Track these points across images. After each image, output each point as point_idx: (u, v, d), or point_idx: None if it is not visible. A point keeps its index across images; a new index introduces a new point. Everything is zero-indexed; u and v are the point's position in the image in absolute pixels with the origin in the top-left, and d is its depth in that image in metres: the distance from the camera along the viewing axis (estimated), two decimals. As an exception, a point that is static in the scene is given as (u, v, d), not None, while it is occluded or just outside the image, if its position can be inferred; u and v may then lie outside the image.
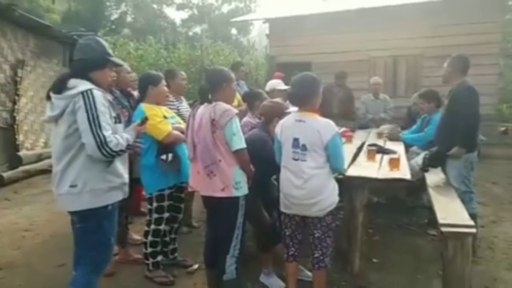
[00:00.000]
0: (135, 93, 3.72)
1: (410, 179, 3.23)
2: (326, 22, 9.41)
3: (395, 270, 3.45)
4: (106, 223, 2.35)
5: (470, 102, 3.52)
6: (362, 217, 3.27)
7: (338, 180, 2.92)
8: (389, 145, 4.60)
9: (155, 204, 3.19)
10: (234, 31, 26.78)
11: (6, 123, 7.05)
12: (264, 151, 2.98)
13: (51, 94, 2.28)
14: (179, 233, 3.68)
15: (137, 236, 3.96)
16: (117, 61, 2.53)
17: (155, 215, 3.21)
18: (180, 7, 27.38)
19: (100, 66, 2.37)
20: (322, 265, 2.74)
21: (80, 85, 2.23)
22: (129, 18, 25.79)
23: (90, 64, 2.33)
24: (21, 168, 7.02)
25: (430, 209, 3.72)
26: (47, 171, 7.38)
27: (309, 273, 3.09)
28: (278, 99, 3.47)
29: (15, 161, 7.02)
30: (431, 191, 3.54)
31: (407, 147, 4.87)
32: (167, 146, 3.09)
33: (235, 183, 2.64)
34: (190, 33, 26.27)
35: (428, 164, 3.87)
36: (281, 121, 2.87)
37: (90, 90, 2.21)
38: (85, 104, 2.17)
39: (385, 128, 5.65)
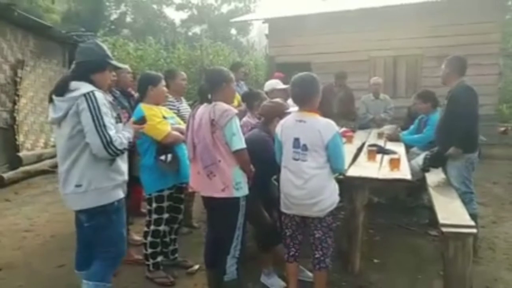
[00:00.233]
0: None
1: (410, 179, 3.23)
2: (325, 22, 9.42)
3: (396, 270, 3.45)
4: (115, 217, 2.45)
5: (468, 102, 3.51)
6: (362, 217, 3.27)
7: (339, 180, 2.92)
8: (390, 145, 4.60)
9: (154, 205, 3.19)
10: (233, 31, 26.77)
11: (6, 124, 7.05)
12: (265, 151, 2.97)
13: (54, 97, 2.34)
14: (180, 234, 3.67)
15: (137, 237, 3.96)
16: (117, 64, 2.62)
17: (154, 216, 3.20)
18: (180, 7, 27.37)
19: (101, 69, 2.45)
20: (323, 265, 2.74)
21: (82, 87, 2.29)
22: (128, 19, 25.78)
23: (91, 67, 2.41)
24: (21, 169, 7.01)
25: (430, 209, 3.72)
26: (47, 172, 7.40)
27: (310, 274, 3.09)
28: (278, 99, 3.47)
29: (15, 162, 7.01)
30: (431, 191, 3.54)
31: (408, 147, 4.87)
32: (166, 146, 3.08)
33: (235, 183, 2.64)
34: (190, 34, 26.27)
35: (429, 164, 3.87)
36: (282, 121, 2.87)
37: (92, 91, 2.28)
38: (88, 105, 2.24)
39: (386, 128, 5.65)
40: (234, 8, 27.07)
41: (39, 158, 7.66)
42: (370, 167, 3.59)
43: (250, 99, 3.96)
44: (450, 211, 3.01)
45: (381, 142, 4.80)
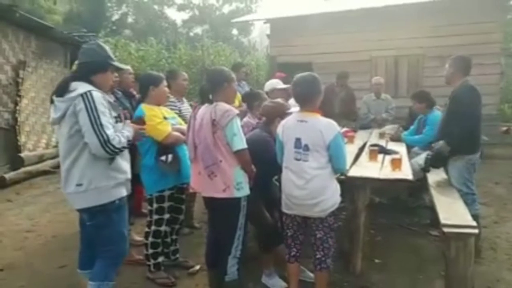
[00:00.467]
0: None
1: (412, 180, 3.22)
2: (327, 22, 9.41)
3: (397, 271, 3.44)
4: (115, 217, 2.46)
5: (471, 102, 3.48)
6: (364, 217, 3.27)
7: (340, 181, 2.91)
8: (391, 145, 4.60)
9: (155, 205, 3.19)
10: (235, 31, 26.77)
11: (7, 124, 7.06)
12: (266, 152, 2.97)
13: (54, 97, 2.37)
14: (181, 234, 3.67)
15: (138, 237, 3.96)
16: (119, 65, 2.64)
17: (155, 216, 3.20)
18: (181, 7, 27.39)
19: (102, 70, 2.47)
20: (324, 266, 2.74)
21: (80, 87, 2.31)
22: (130, 19, 25.81)
23: (92, 68, 2.44)
24: (23, 169, 7.02)
25: (432, 210, 3.71)
26: (49, 172, 7.41)
27: (311, 274, 3.08)
28: (279, 99, 3.47)
29: (17, 162, 7.03)
30: (433, 192, 3.53)
31: (409, 147, 4.87)
32: (167, 147, 3.08)
33: (236, 183, 2.64)
34: (191, 34, 26.28)
35: (430, 164, 3.86)
36: (283, 121, 2.86)
37: (90, 91, 2.29)
38: (85, 105, 2.26)
39: (387, 128, 5.65)
40: (236, 9, 27.07)
41: (41, 159, 7.67)
42: (372, 167, 3.58)
43: (250, 100, 3.95)
44: (452, 211, 3.00)
45: (382, 142, 4.80)
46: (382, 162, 3.75)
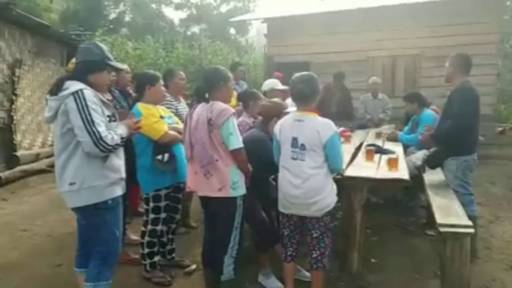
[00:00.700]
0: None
1: (408, 180, 3.23)
2: (324, 22, 9.43)
3: (393, 270, 3.45)
4: (109, 217, 2.45)
5: (466, 102, 3.39)
6: (360, 217, 3.26)
7: (337, 180, 2.91)
8: (388, 145, 4.60)
9: (151, 205, 3.18)
10: (232, 31, 26.75)
11: (3, 123, 7.03)
12: (263, 151, 2.97)
13: (47, 96, 2.38)
14: (177, 234, 3.66)
15: (134, 236, 3.95)
16: (116, 65, 2.62)
17: (151, 216, 3.19)
18: (179, 6, 27.33)
19: (98, 69, 2.46)
20: (320, 265, 2.74)
21: (72, 86, 2.31)
22: (127, 18, 25.74)
23: (89, 67, 2.43)
24: (19, 168, 6.99)
25: (428, 209, 3.72)
26: (44, 171, 7.38)
27: (307, 274, 3.08)
28: (276, 99, 3.46)
29: (12, 161, 6.99)
30: (429, 191, 3.53)
31: (405, 147, 4.88)
32: (163, 146, 3.07)
33: (233, 183, 2.63)
34: (189, 33, 26.25)
35: (426, 165, 3.86)
36: (280, 121, 2.86)
37: (81, 90, 2.29)
38: (76, 104, 2.25)
39: (384, 128, 5.66)
40: (233, 8, 27.06)
41: (37, 158, 7.63)
42: (368, 167, 3.58)
43: (245, 99, 3.95)
44: (448, 211, 3.00)
45: (379, 142, 4.80)
46: (379, 162, 3.75)
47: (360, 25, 9.20)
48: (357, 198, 3.25)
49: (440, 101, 4.83)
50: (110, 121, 2.42)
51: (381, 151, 4.13)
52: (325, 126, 2.63)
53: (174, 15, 27.55)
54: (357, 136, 5.40)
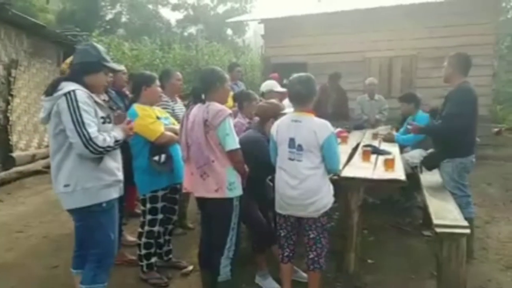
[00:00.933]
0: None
1: (404, 180, 3.23)
2: (321, 23, 9.44)
3: (390, 271, 3.45)
4: (103, 219, 2.43)
5: (462, 103, 3.35)
6: (357, 217, 3.27)
7: (333, 181, 2.92)
8: (384, 146, 4.62)
9: (148, 206, 3.17)
10: (229, 31, 26.73)
11: (-1, 124, 7.00)
12: (260, 152, 2.97)
13: (42, 97, 2.36)
14: (174, 235, 3.66)
15: (131, 238, 3.94)
16: (113, 66, 2.60)
17: (148, 217, 3.19)
18: (175, 7, 27.29)
19: (95, 71, 2.44)
20: (317, 266, 2.74)
21: (66, 87, 2.29)
22: (124, 19, 25.67)
23: (85, 68, 2.41)
24: (15, 169, 6.95)
25: (424, 210, 3.73)
26: (40, 172, 7.35)
27: (304, 274, 3.08)
28: (274, 100, 3.47)
29: (8, 162, 6.96)
30: (426, 192, 3.54)
31: (401, 147, 4.89)
32: (160, 147, 3.07)
33: (229, 184, 2.63)
34: (185, 34, 26.21)
35: (423, 166, 3.87)
36: (277, 121, 2.86)
37: (74, 90, 2.26)
38: (68, 105, 2.23)
39: (380, 129, 5.67)
40: (230, 9, 27.04)
41: (33, 159, 7.60)
42: (365, 167, 3.59)
43: (240, 100, 3.95)
44: (444, 212, 3.02)
45: (375, 143, 4.81)
46: (375, 163, 3.75)
47: (357, 26, 9.22)
48: (353, 199, 3.26)
49: (437, 102, 4.86)
50: (104, 122, 2.40)
51: (377, 151, 4.14)
52: (322, 127, 2.64)
53: (171, 16, 27.52)
54: (354, 137, 5.41)
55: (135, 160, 3.13)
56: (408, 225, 4.53)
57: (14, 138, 7.28)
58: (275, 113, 3.11)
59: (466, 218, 2.92)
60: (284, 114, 2.97)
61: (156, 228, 3.23)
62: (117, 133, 2.45)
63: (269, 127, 2.99)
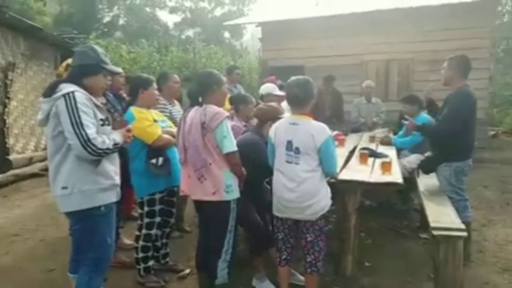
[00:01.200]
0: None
1: (402, 183, 3.24)
2: (318, 26, 9.47)
3: (387, 274, 3.45)
4: (101, 223, 2.42)
5: (460, 107, 3.33)
6: (354, 220, 3.27)
7: (331, 184, 2.92)
8: (381, 148, 4.62)
9: (146, 209, 3.16)
10: (227, 34, 26.74)
11: (-4, 127, 6.98)
12: (257, 155, 2.97)
13: (40, 99, 2.35)
14: (171, 238, 3.65)
15: (128, 241, 3.93)
16: (112, 68, 2.58)
17: (146, 220, 3.18)
18: (173, 10, 27.29)
19: (94, 73, 2.43)
20: (315, 269, 2.74)
21: (65, 88, 2.28)
22: (121, 21, 25.64)
23: (84, 71, 2.40)
24: (11, 172, 6.94)
25: (421, 213, 3.73)
26: (37, 175, 7.32)
27: (302, 277, 3.08)
28: (273, 103, 3.47)
29: (5, 165, 6.94)
30: (423, 195, 3.55)
31: (398, 150, 4.90)
32: (157, 149, 3.07)
33: (226, 186, 2.63)
34: (183, 36, 26.19)
35: (421, 169, 3.88)
36: (275, 124, 2.87)
37: (72, 92, 2.25)
38: (66, 106, 2.22)
39: (377, 132, 5.68)
40: (228, 12, 27.06)
41: (30, 161, 7.59)
42: (362, 170, 3.59)
43: (237, 103, 3.95)
44: (441, 214, 3.02)
45: (373, 146, 4.83)
46: (372, 166, 3.76)
47: (354, 29, 9.26)
48: (351, 202, 3.26)
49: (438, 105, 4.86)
50: (103, 125, 2.38)
51: (374, 154, 4.15)
52: (320, 130, 2.64)
53: (169, 19, 27.54)
54: (351, 140, 5.42)
55: (132, 163, 3.12)
56: (405, 228, 4.53)
57: (11, 141, 7.26)
58: (274, 116, 3.12)
59: (463, 222, 2.91)
60: (282, 117, 2.98)
61: (153, 231, 3.22)
62: (117, 137, 2.43)
63: (267, 130, 3.00)
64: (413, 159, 4.34)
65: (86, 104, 2.28)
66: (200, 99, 2.73)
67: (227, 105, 4.15)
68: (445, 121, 3.40)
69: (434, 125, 3.53)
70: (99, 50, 2.49)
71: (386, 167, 3.49)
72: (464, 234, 2.75)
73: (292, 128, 2.69)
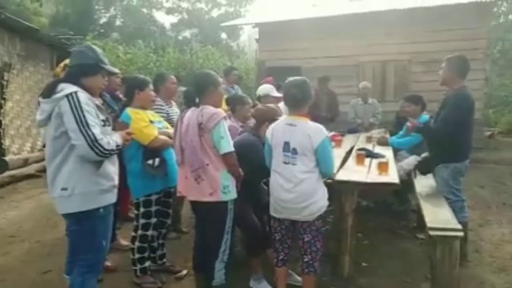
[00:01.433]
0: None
1: (398, 183, 3.25)
2: (315, 27, 9.49)
3: (384, 274, 3.46)
4: (99, 226, 2.40)
5: (458, 108, 3.32)
6: (351, 221, 3.27)
7: (328, 184, 2.92)
8: (378, 149, 4.63)
9: (142, 210, 3.15)
10: (224, 35, 26.75)
11: (-9, 127, 6.95)
12: (255, 155, 2.97)
13: (39, 99, 2.32)
14: (168, 239, 3.64)
15: (124, 242, 3.91)
16: (111, 69, 2.57)
17: (142, 221, 3.17)
18: (170, 11, 27.28)
19: (92, 73, 2.41)
20: (312, 269, 2.74)
21: (66, 88, 2.26)
22: (118, 22, 25.60)
23: (82, 70, 2.38)
24: (7, 173, 6.90)
25: (418, 213, 3.74)
26: (33, 176, 7.29)
27: (299, 278, 3.08)
28: (271, 104, 3.47)
29: (1, 166, 6.90)
30: (420, 196, 3.56)
31: (395, 151, 4.91)
32: (154, 150, 3.06)
33: (223, 187, 2.63)
34: (180, 37, 26.17)
35: (418, 170, 3.88)
36: (272, 125, 2.87)
37: (75, 92, 2.24)
38: (70, 106, 2.20)
39: (374, 132, 5.69)
40: (225, 13, 27.06)
41: (26, 162, 7.56)
42: (359, 171, 3.60)
43: (233, 103, 3.95)
44: (438, 215, 3.03)
45: (369, 146, 4.83)
46: (369, 166, 3.77)
47: (350, 30, 9.29)
48: (348, 202, 3.27)
49: (430, 106, 4.89)
50: (104, 125, 2.37)
51: (371, 155, 4.16)
52: (317, 131, 2.65)
53: (165, 20, 27.42)
54: (348, 141, 5.43)
55: (128, 164, 3.11)
56: (402, 228, 4.54)
57: (6, 142, 7.23)
58: (272, 117, 3.11)
59: (460, 223, 2.91)
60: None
61: (149, 232, 3.21)
62: (118, 138, 2.42)
63: (264, 131, 3.00)
64: (412, 161, 4.35)
65: (89, 104, 2.27)
66: (197, 100, 2.72)
67: (224, 106, 4.15)
68: (444, 122, 3.40)
69: (434, 127, 3.53)
70: (98, 50, 2.47)
71: (382, 167, 3.49)
72: (461, 234, 2.76)
73: (289, 129, 2.69)
